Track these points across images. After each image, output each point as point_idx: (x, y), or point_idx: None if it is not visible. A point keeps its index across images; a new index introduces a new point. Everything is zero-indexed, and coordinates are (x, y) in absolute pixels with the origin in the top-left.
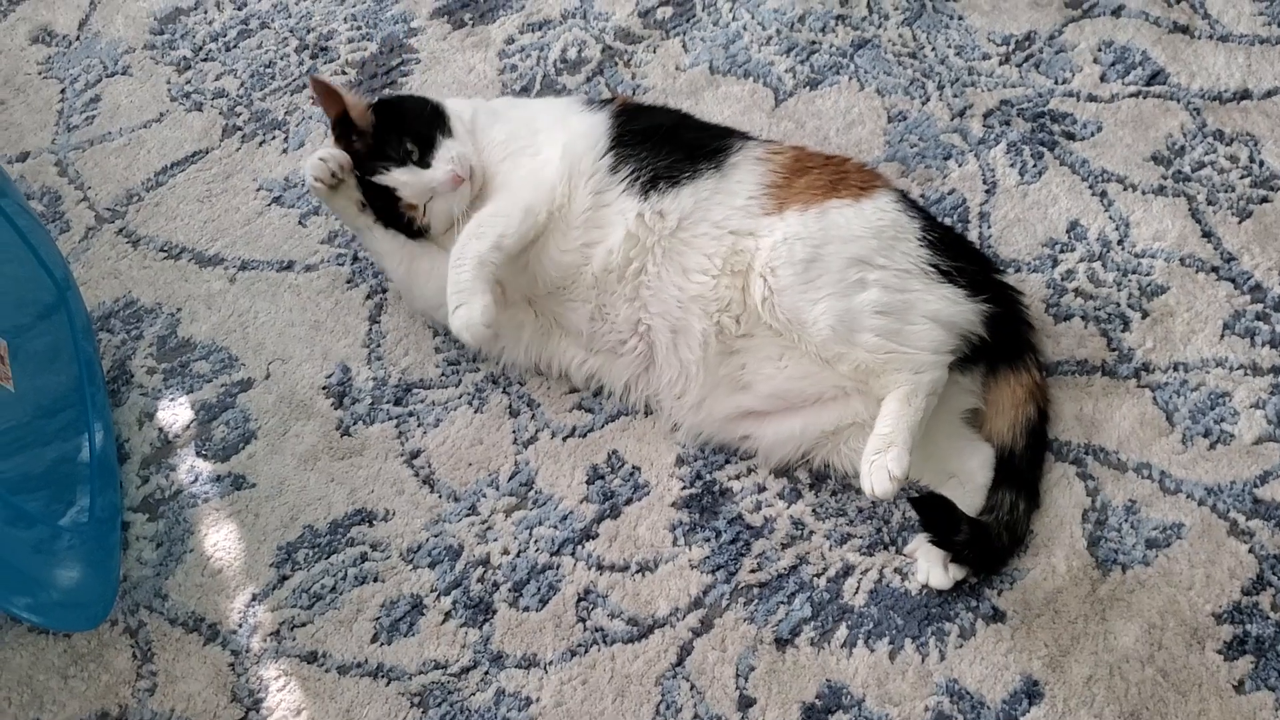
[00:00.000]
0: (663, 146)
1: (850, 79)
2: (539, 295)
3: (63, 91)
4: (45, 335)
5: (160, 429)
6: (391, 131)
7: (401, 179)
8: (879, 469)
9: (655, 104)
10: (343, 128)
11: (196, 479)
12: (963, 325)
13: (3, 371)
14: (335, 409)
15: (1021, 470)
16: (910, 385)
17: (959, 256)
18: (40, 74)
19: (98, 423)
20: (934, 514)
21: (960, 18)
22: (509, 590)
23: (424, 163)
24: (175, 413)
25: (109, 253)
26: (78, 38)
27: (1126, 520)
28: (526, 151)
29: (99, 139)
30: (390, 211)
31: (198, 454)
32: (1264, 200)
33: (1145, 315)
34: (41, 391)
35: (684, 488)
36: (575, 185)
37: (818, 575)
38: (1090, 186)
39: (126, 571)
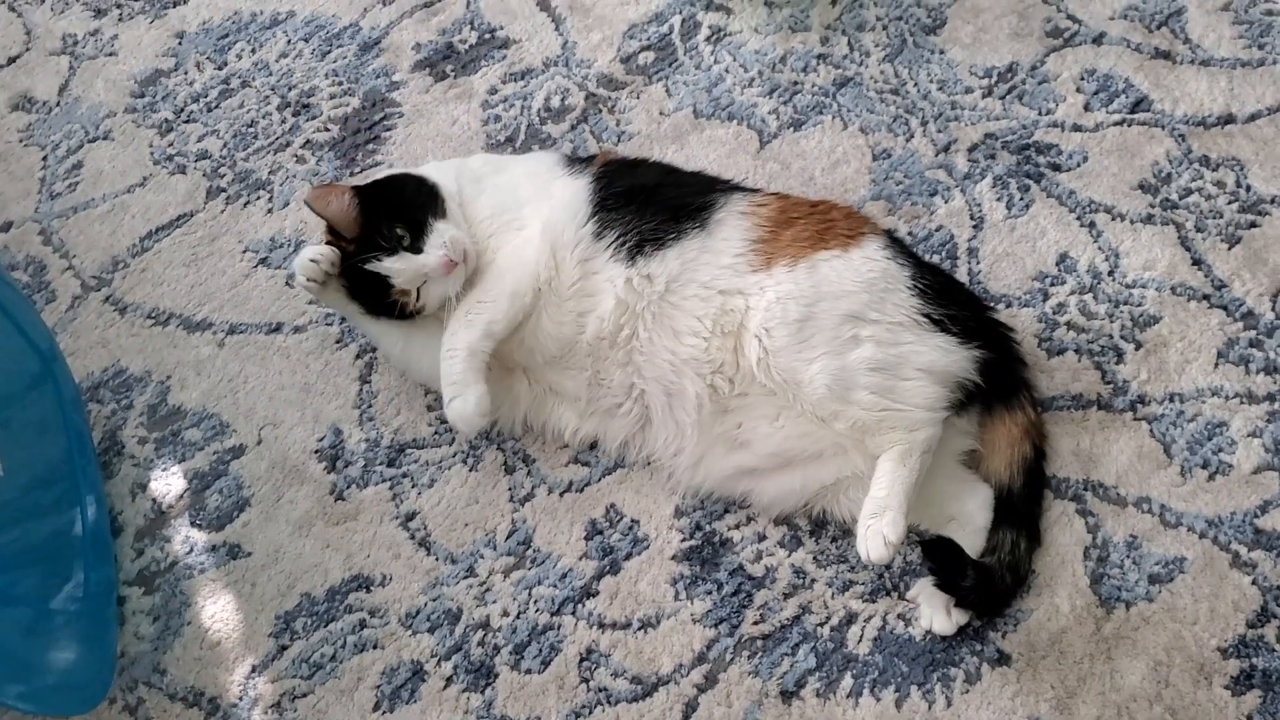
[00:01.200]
0: (646, 208)
1: (834, 118)
2: (535, 365)
3: (44, 159)
4: (33, 408)
5: (153, 500)
6: (381, 218)
7: (394, 267)
8: (874, 535)
9: (638, 157)
10: (334, 231)
11: (192, 549)
12: (957, 374)
13: None
14: (328, 473)
15: (1021, 509)
16: (905, 445)
17: (950, 301)
18: (21, 142)
19: (89, 495)
20: (941, 559)
21: (941, 51)
22: (510, 653)
23: (415, 247)
24: (168, 482)
25: (96, 321)
26: (58, 103)
27: (1128, 556)
28: (512, 226)
29: (83, 206)
30: (381, 298)
31: (192, 524)
32: (1252, 225)
33: (1139, 346)
34: (31, 466)
35: (684, 540)
36: (561, 258)
37: (821, 624)
38: (1078, 218)
39: (124, 647)
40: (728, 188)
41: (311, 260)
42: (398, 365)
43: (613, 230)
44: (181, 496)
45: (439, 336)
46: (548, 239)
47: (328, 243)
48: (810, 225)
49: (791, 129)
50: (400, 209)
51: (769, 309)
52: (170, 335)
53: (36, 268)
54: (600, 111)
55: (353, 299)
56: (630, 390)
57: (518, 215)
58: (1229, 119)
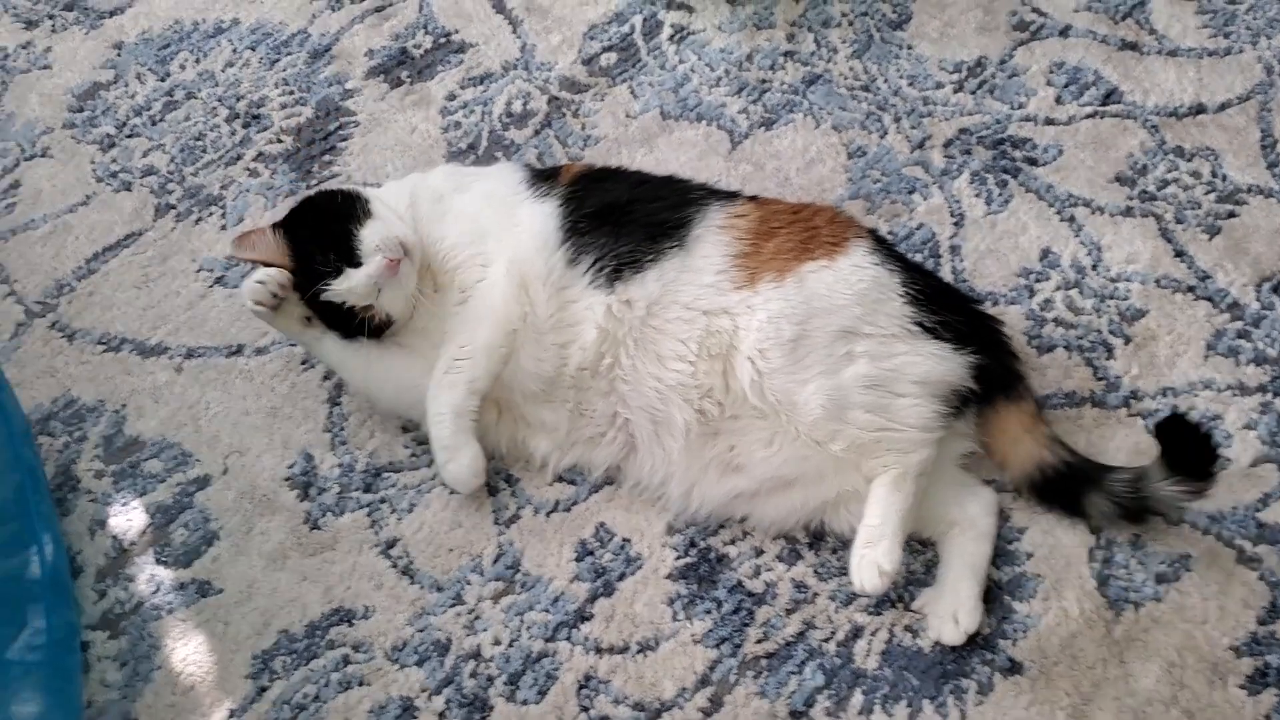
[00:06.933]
0: (620, 229)
1: (805, 116)
2: (512, 401)
3: None
4: None
5: (114, 537)
6: (309, 245)
7: (343, 288)
8: (869, 565)
9: (605, 166)
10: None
11: (158, 589)
12: (953, 382)
13: None
14: (301, 501)
15: (1088, 466)
16: (900, 468)
17: (940, 305)
18: None
19: (46, 534)
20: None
21: (909, 47)
22: (504, 683)
23: (354, 262)
24: (129, 518)
25: (42, 349)
26: None
27: (1134, 556)
28: (477, 261)
29: (22, 227)
30: (350, 321)
31: (157, 561)
32: (1230, 215)
33: (1128, 341)
34: None
35: (678, 557)
36: (534, 292)
37: (826, 640)
38: (1058, 212)
39: (90, 697)
40: (703, 197)
41: (258, 282)
42: (360, 392)
43: (587, 255)
44: (144, 532)
45: (400, 360)
46: (515, 276)
47: None
48: (793, 234)
49: (763, 128)
50: (322, 231)
51: (761, 329)
52: (123, 361)
53: None
54: (564, 115)
55: (330, 329)
56: (614, 419)
57: (482, 250)
58: (1200, 109)
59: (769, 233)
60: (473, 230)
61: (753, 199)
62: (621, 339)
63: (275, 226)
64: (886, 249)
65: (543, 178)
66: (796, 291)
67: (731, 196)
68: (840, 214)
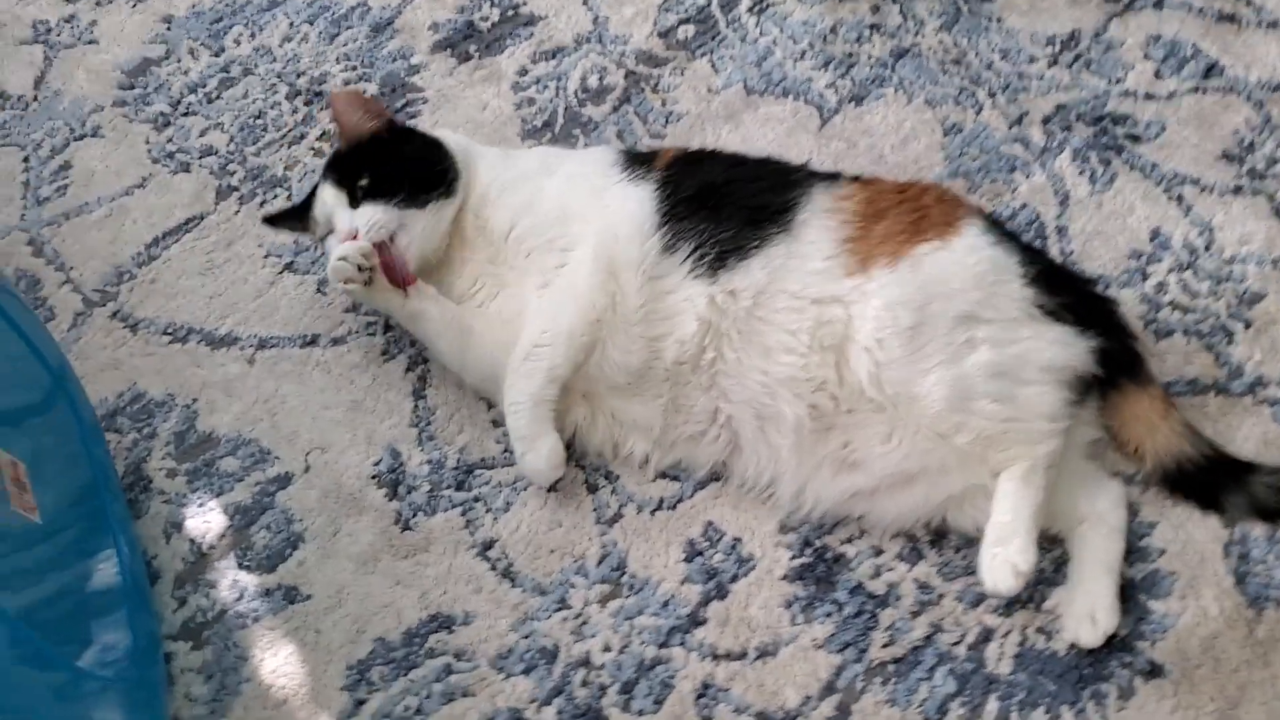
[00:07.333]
0: (720, 213)
1: (896, 91)
2: (598, 393)
3: (25, 160)
4: (50, 439)
5: (192, 540)
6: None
7: (325, 198)
8: (1002, 564)
9: (702, 149)
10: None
11: (242, 595)
12: (1078, 367)
13: (27, 501)
14: (390, 500)
15: (1232, 463)
16: (1029, 461)
17: (1060, 287)
18: None
19: (121, 538)
20: None
21: (999, 19)
22: (618, 692)
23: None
24: (207, 520)
25: (104, 340)
26: (35, 98)
27: (1270, 550)
28: (557, 245)
29: (76, 211)
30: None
31: (239, 566)
32: None
33: (1248, 325)
34: (56, 508)
35: (793, 557)
36: (625, 280)
37: (956, 643)
38: (1165, 191)
39: (175, 711)
40: (805, 178)
41: (340, 259)
42: (455, 364)
43: (685, 242)
44: (223, 535)
45: (500, 334)
46: (603, 261)
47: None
48: (902, 215)
49: (853, 104)
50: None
51: (878, 317)
52: (192, 353)
53: (29, 282)
54: (643, 91)
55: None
56: (714, 416)
57: (564, 232)
58: None
59: (877, 214)
60: (556, 213)
61: (855, 179)
62: (725, 331)
63: (390, 122)
64: (999, 229)
65: (638, 161)
66: (912, 276)
67: (833, 177)
68: (947, 192)
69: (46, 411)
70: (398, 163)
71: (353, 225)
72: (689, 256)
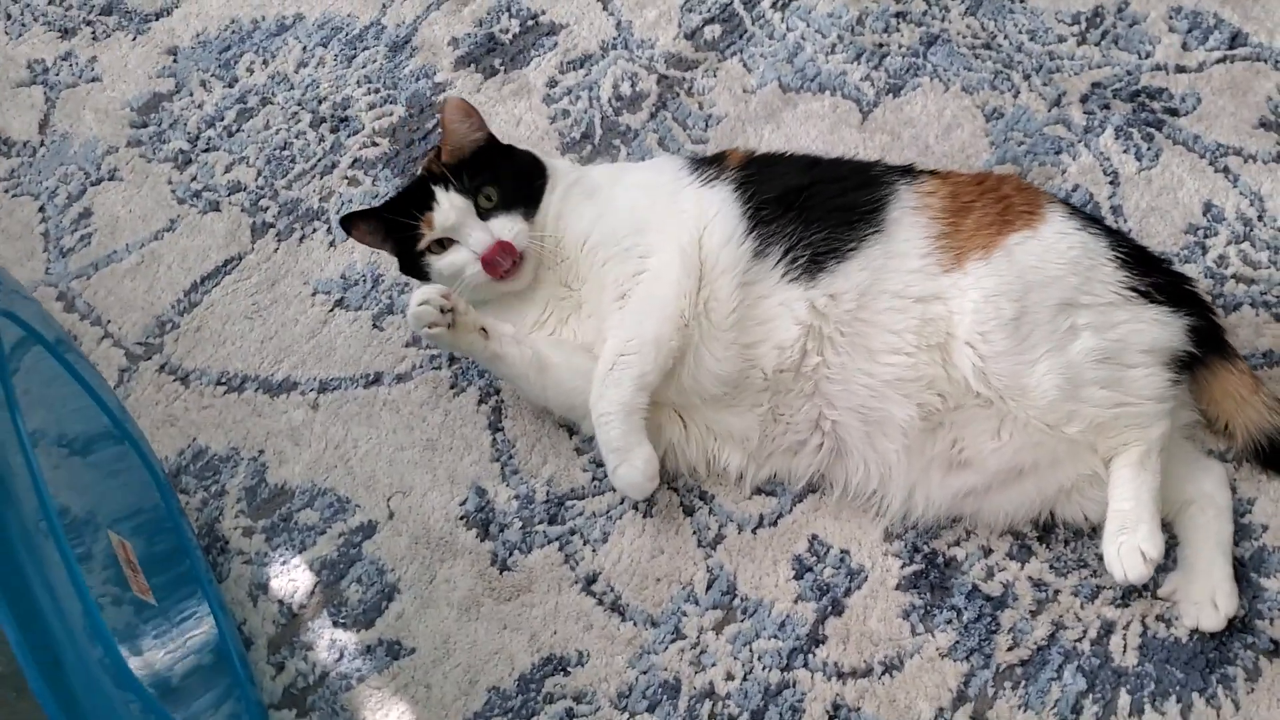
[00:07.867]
0: (808, 214)
1: (932, 79)
2: (690, 405)
3: (41, 209)
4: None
5: (280, 601)
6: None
7: (445, 205)
8: (1130, 551)
9: (770, 151)
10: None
11: (342, 655)
12: (1176, 346)
13: (140, 583)
14: (483, 541)
15: None
16: (1142, 446)
17: (1145, 266)
18: (7, 191)
19: (216, 604)
20: None
21: (1021, 0)
22: None
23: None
24: (293, 578)
25: (155, 395)
26: (42, 143)
27: None
28: (634, 254)
29: (104, 261)
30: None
31: (335, 624)
32: None
33: None
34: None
35: (904, 565)
36: (717, 288)
37: (1079, 639)
38: (1210, 163)
39: None
40: (885, 174)
41: (422, 304)
42: (538, 398)
43: (776, 246)
44: (313, 593)
45: (575, 359)
46: (688, 265)
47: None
48: (988, 208)
49: (891, 95)
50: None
51: (978, 311)
52: (250, 402)
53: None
54: (678, 95)
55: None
56: (817, 424)
57: (639, 241)
58: None
59: (963, 208)
60: (631, 220)
61: (933, 173)
62: (828, 335)
63: (490, 136)
64: (1081, 213)
65: (707, 163)
66: (1007, 266)
67: (911, 172)
68: (1023, 181)
69: (126, 473)
70: (516, 175)
71: (493, 235)
72: (780, 260)
